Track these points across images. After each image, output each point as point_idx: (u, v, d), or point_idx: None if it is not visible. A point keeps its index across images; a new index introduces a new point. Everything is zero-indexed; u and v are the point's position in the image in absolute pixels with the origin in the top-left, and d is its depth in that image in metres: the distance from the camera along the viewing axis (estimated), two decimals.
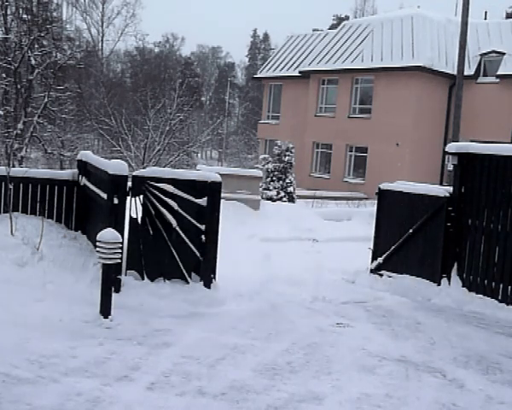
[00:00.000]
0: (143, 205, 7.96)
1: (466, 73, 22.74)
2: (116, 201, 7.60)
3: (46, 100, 24.02)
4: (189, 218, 8.02)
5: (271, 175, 21.46)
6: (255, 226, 13.87)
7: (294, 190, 21.65)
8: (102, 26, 62.21)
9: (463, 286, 9.13)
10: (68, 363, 5.42)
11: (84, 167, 9.43)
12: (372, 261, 10.43)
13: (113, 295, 6.96)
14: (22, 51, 23.80)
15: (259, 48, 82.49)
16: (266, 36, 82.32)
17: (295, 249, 12.55)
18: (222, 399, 4.92)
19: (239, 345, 6.32)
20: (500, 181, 8.71)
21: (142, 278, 7.96)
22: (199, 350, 6.06)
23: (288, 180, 21.38)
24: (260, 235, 13.29)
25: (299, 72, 34.73)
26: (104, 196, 7.88)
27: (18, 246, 8.08)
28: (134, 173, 8.10)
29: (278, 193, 21.00)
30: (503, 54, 28.29)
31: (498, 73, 28.09)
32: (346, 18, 60.19)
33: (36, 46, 25.08)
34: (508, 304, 8.51)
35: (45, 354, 5.55)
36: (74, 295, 7.42)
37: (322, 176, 33.16)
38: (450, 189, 9.55)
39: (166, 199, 7.93)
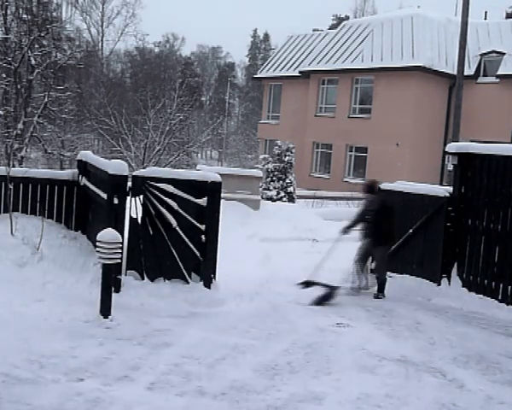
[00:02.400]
0: (143, 205, 7.95)
1: (466, 73, 22.73)
2: (116, 201, 7.60)
3: (46, 100, 24.01)
4: (189, 218, 8.02)
5: (271, 175, 21.48)
6: (255, 226, 13.87)
7: (294, 190, 21.67)
8: (102, 26, 62.25)
9: (463, 286, 9.14)
10: (68, 363, 5.42)
11: (84, 167, 9.43)
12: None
13: (113, 295, 6.96)
14: (22, 51, 23.79)
15: (259, 48, 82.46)
16: (266, 36, 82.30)
17: (295, 249, 12.55)
18: (222, 399, 4.91)
19: (239, 345, 6.31)
20: (500, 181, 8.70)
21: (142, 278, 7.96)
22: (199, 350, 6.06)
23: (288, 180, 21.40)
24: (260, 235, 13.29)
25: (299, 72, 34.74)
26: (104, 196, 7.88)
27: (18, 246, 8.08)
28: (134, 173, 8.10)
29: (278, 193, 21.01)
30: (503, 54, 28.29)
31: (498, 73, 28.09)
32: (346, 18, 60.18)
33: (36, 46, 25.08)
34: (508, 304, 8.51)
35: (45, 354, 5.54)
36: (74, 295, 7.43)
37: (322, 176, 33.17)
38: (450, 189, 9.55)
39: (166, 199, 7.93)
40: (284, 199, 20.87)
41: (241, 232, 12.97)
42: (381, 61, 30.18)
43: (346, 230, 9.41)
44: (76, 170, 9.70)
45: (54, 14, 34.35)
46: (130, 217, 7.93)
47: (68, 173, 9.74)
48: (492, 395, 5.40)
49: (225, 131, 65.24)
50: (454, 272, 9.29)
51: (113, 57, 66.86)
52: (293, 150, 22.26)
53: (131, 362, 5.56)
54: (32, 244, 8.17)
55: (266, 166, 21.83)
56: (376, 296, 9.19)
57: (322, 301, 8.54)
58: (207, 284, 8.10)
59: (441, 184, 26.34)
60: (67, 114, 27.26)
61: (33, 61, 24.05)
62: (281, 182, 21.33)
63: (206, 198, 8.05)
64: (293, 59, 37.23)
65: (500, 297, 8.64)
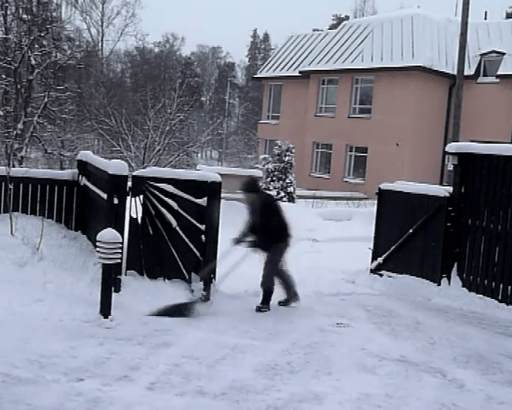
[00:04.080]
0: (143, 205, 7.95)
1: (466, 73, 22.74)
2: (116, 201, 7.59)
3: (46, 100, 24.02)
4: (189, 218, 8.02)
5: (271, 175, 21.50)
6: None
7: (294, 190, 21.69)
8: (102, 26, 62.28)
9: (463, 286, 9.13)
10: (68, 363, 5.42)
11: (84, 167, 9.43)
12: (372, 261, 10.43)
13: (113, 294, 6.96)
14: (22, 51, 23.80)
15: (259, 48, 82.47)
16: (266, 36, 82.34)
17: (295, 249, 12.50)
18: (222, 399, 4.91)
19: (239, 345, 6.32)
20: (500, 181, 8.70)
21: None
22: (199, 350, 6.06)
23: (288, 180, 21.41)
24: None
25: (299, 72, 34.73)
26: (104, 196, 7.88)
27: (18, 246, 8.08)
28: (134, 173, 8.10)
29: (278, 193, 21.02)
30: (503, 54, 28.29)
31: (498, 73, 28.10)
32: (346, 18, 60.21)
33: (36, 46, 25.09)
34: (508, 304, 8.50)
35: (45, 354, 5.54)
36: (74, 295, 7.42)
37: (322, 176, 33.17)
38: (450, 189, 9.55)
39: (166, 199, 7.93)
40: (284, 199, 20.88)
41: None
42: (381, 61, 30.18)
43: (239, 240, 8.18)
44: (76, 170, 9.70)
45: (54, 14, 34.34)
46: (130, 217, 7.93)
47: (68, 173, 9.74)
48: (492, 395, 5.40)
49: (225, 131, 65.27)
50: (454, 272, 9.28)
51: (113, 57, 66.90)
52: (293, 150, 22.27)
53: (131, 362, 5.56)
54: (32, 244, 8.17)
55: (266, 166, 21.85)
56: (259, 309, 8.00)
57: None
58: (207, 284, 8.09)
59: (441, 184, 26.34)
60: (67, 114, 27.26)
61: (33, 61, 24.05)
62: (281, 182, 21.35)
63: (206, 198, 8.05)
64: (293, 59, 37.23)
65: (500, 297, 8.63)
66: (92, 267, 7.94)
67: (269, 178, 21.43)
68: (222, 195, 8.33)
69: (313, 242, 13.78)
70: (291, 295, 8.37)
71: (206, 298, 7.94)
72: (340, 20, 56.72)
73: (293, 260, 11.17)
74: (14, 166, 18.23)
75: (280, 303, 8.32)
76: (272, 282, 8.20)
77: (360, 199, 24.74)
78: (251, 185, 8.27)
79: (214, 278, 8.20)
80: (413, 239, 9.82)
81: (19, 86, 24.10)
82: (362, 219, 15.75)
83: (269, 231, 7.98)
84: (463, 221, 9.22)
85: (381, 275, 10.16)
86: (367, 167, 30.73)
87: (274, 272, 8.23)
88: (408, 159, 28.69)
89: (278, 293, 8.35)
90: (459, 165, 9.31)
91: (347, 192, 27.97)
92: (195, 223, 8.04)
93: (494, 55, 28.74)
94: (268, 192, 8.46)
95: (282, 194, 21.10)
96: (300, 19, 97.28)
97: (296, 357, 6.08)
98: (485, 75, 29.09)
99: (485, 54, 29.06)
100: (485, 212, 8.92)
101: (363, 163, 31.28)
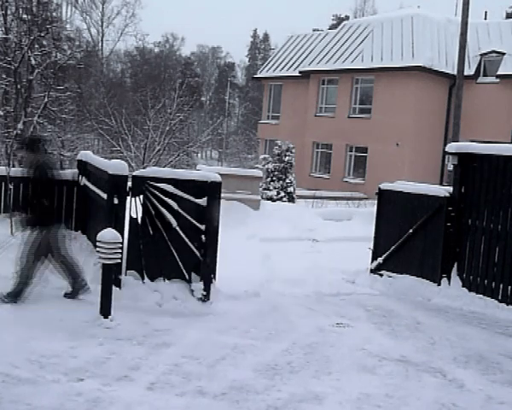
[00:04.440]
0: (143, 205, 7.95)
1: (466, 73, 22.73)
2: (116, 201, 7.60)
3: (46, 100, 24.00)
4: (189, 218, 8.01)
5: (271, 175, 21.50)
6: (255, 226, 13.86)
7: (294, 190, 21.69)
8: (102, 26, 62.27)
9: (463, 286, 9.13)
10: (68, 363, 5.42)
11: (84, 167, 9.44)
12: (372, 261, 10.43)
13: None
14: (22, 51, 23.77)
15: (259, 48, 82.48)
16: (266, 36, 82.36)
17: (295, 249, 12.54)
18: (222, 399, 4.92)
19: (239, 345, 6.32)
20: (500, 181, 8.70)
21: (142, 278, 7.95)
22: (199, 350, 6.06)
23: (288, 180, 21.41)
24: (260, 235, 13.28)
25: (299, 72, 34.73)
26: (104, 196, 7.88)
27: (18, 246, 8.07)
28: (134, 173, 8.10)
29: (278, 193, 21.03)
30: (503, 54, 28.29)
31: (498, 73, 28.10)
32: (346, 18, 60.20)
33: (36, 46, 25.05)
34: (508, 304, 8.50)
35: (45, 354, 5.55)
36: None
37: (322, 176, 33.17)
38: (450, 189, 9.54)
39: (166, 199, 7.93)
40: (284, 199, 20.88)
41: (241, 232, 12.97)
42: (381, 61, 30.19)
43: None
44: (76, 170, 9.71)
45: (54, 14, 34.24)
46: (130, 217, 7.92)
47: (68, 173, 9.76)
48: (492, 395, 5.41)
49: (225, 131, 65.28)
50: (454, 272, 9.28)
51: (113, 57, 66.90)
52: (293, 150, 22.27)
53: (131, 362, 5.57)
54: None
55: (266, 166, 21.85)
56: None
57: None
58: (207, 284, 8.09)
59: (441, 184, 26.34)
60: (67, 114, 27.21)
61: (33, 61, 24.01)
62: (281, 182, 21.35)
63: (206, 198, 8.05)
64: (293, 59, 37.23)
65: (500, 297, 8.63)
66: (92, 267, 7.94)
67: (269, 178, 21.43)
68: (222, 195, 8.33)
69: (313, 242, 13.78)
70: (79, 286, 7.41)
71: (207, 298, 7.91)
72: (340, 20, 56.72)
73: (294, 260, 11.22)
74: (14, 166, 18.22)
75: (66, 295, 7.36)
76: (27, 273, 7.06)
77: (360, 199, 24.73)
78: (31, 143, 7.17)
79: (214, 277, 8.20)
80: (413, 239, 9.81)
81: (19, 86, 24.06)
82: (362, 219, 15.73)
83: (37, 206, 6.89)
84: (463, 221, 9.22)
85: (381, 275, 10.16)
86: (367, 167, 30.73)
87: (33, 260, 7.08)
88: (408, 159, 28.70)
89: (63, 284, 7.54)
90: (459, 165, 9.31)
91: (347, 192, 27.96)
92: (195, 223, 8.04)
93: (494, 55, 28.74)
94: (50, 157, 6.94)
95: (282, 194, 21.10)
96: (300, 19, 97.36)
97: (296, 357, 6.08)
98: (485, 75, 29.10)
99: (485, 54, 29.06)
100: (485, 212, 8.92)
101: (363, 163, 31.28)
